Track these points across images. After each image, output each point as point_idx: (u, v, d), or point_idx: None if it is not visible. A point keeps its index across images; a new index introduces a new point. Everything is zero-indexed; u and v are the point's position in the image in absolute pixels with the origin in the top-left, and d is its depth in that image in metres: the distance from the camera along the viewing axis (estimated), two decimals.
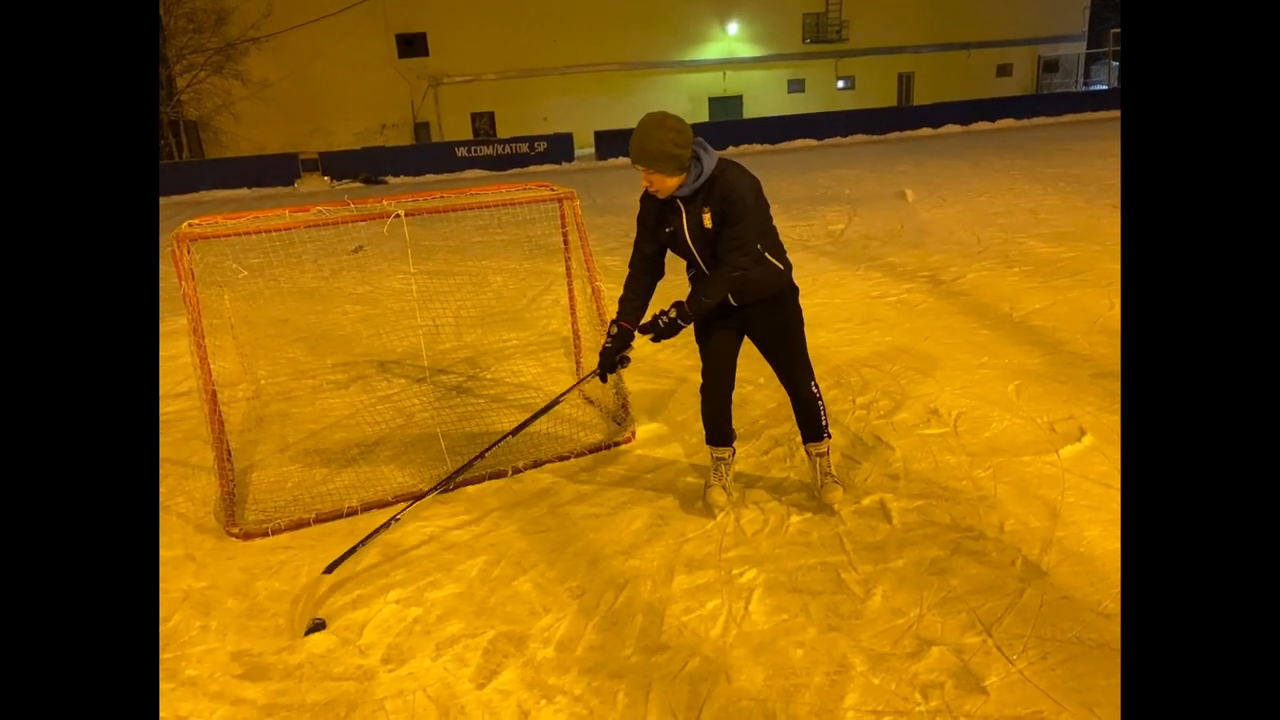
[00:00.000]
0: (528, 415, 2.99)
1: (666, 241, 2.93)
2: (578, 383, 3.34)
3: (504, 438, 3.17)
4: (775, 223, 2.96)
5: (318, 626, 2.58)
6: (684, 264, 3.02)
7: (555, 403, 3.23)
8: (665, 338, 2.92)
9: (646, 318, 2.99)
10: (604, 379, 3.07)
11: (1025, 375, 4.34)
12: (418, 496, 3.14)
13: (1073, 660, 2.20)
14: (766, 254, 2.88)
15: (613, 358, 3.00)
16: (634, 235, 3.01)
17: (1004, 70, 35.70)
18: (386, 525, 2.92)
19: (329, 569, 2.78)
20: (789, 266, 2.98)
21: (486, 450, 3.16)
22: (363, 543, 2.87)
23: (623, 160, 23.64)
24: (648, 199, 2.92)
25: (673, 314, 2.86)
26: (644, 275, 3.03)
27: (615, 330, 3.01)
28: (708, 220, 2.79)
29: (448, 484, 3.09)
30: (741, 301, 2.94)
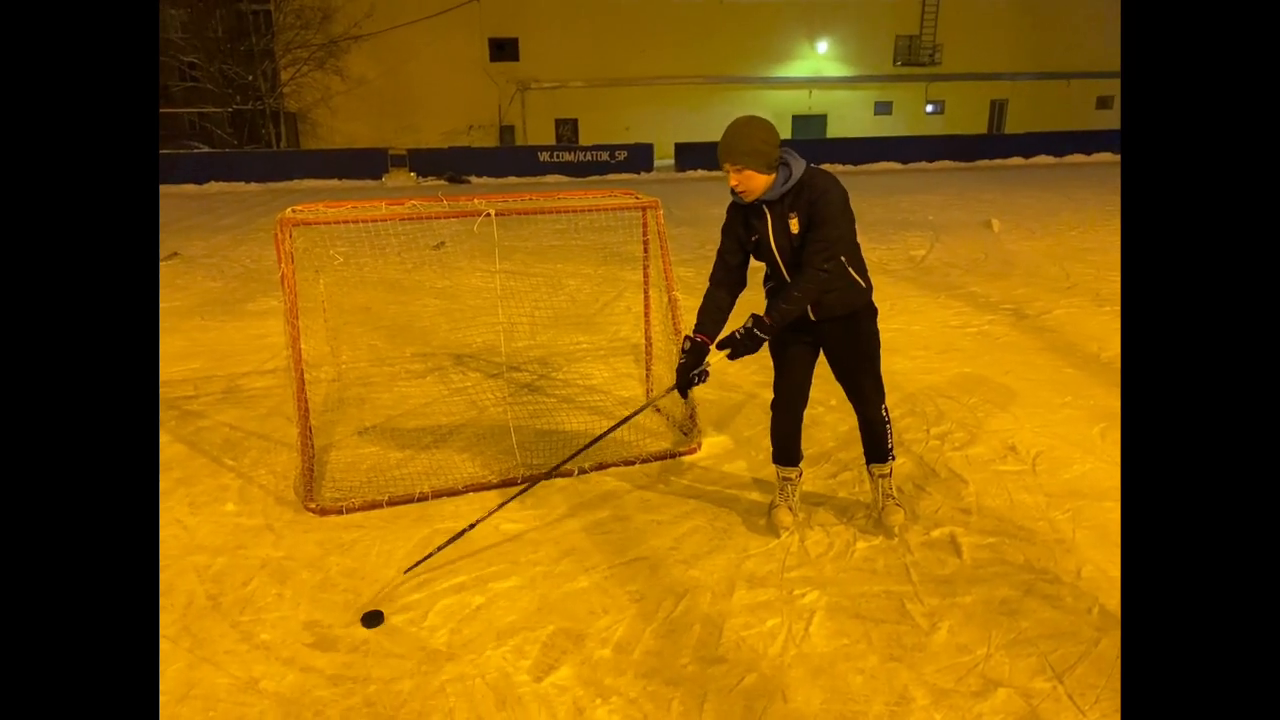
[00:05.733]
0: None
1: (752, 249, 2.90)
2: (654, 399, 3.26)
3: (587, 446, 3.16)
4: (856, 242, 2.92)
5: (374, 617, 2.61)
6: (759, 278, 2.99)
7: (633, 415, 3.22)
8: (743, 353, 2.80)
9: (724, 333, 2.89)
10: (684, 394, 2.95)
11: (1112, 418, 4.17)
12: (500, 504, 3.13)
13: None
14: (850, 268, 2.83)
15: (688, 373, 2.89)
16: (708, 248, 2.98)
17: (1104, 102, 34.36)
18: (467, 529, 2.96)
19: (410, 569, 2.85)
20: (870, 286, 2.93)
21: (567, 460, 3.13)
22: (443, 546, 2.90)
23: (701, 173, 23.66)
24: (734, 207, 2.91)
25: (750, 324, 2.76)
26: (724, 286, 2.95)
27: (689, 345, 2.90)
28: (794, 225, 2.75)
29: (524, 491, 3.08)
30: (820, 316, 2.88)
